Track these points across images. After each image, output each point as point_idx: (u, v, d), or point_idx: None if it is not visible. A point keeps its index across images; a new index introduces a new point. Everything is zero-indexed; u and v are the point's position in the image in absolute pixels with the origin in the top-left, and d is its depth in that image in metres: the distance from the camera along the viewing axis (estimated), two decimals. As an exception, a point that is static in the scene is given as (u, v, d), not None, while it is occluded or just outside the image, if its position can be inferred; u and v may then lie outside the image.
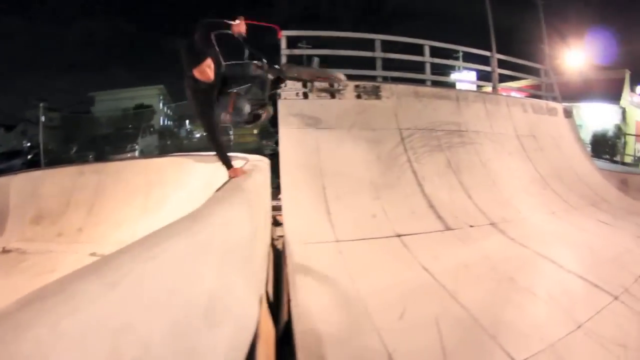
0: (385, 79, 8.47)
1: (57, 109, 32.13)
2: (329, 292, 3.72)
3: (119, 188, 7.24)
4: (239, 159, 5.42)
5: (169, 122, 31.95)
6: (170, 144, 21.97)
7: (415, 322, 3.28)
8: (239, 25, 3.48)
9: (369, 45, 8.44)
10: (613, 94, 21.53)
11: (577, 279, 4.20)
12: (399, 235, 5.06)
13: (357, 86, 7.04)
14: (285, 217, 5.17)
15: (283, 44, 7.68)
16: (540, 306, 3.63)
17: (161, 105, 36.37)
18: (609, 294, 3.89)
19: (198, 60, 3.11)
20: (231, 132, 21.86)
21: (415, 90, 7.54)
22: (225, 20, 3.49)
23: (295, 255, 4.34)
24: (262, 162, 4.79)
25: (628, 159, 19.24)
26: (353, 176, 5.82)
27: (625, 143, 20.55)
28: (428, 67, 8.71)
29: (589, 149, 18.82)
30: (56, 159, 17.51)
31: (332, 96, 6.84)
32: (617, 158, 18.85)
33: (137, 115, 26.57)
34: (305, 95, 6.72)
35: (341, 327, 3.16)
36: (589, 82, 21.29)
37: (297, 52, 8.06)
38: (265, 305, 2.84)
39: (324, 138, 6.23)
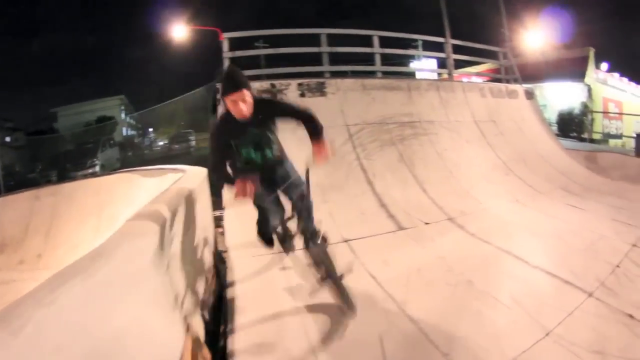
0: (344, 74, 8.18)
1: (22, 128, 31.94)
2: (267, 311, 3.32)
3: (73, 210, 7.26)
4: (177, 171, 5.07)
5: (132, 132, 31.67)
6: (132, 155, 21.71)
7: (356, 342, 2.87)
8: (326, 151, 2.98)
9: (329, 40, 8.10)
10: (577, 73, 21.63)
11: (545, 276, 3.81)
12: (346, 241, 4.66)
13: (300, 84, 6.71)
14: (227, 229, 4.88)
15: (225, 46, 7.29)
16: (502, 313, 3.21)
17: (123, 115, 36.07)
18: (582, 290, 3.51)
19: (234, 87, 2.77)
20: (192, 138, 21.63)
21: (362, 84, 7.19)
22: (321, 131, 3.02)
23: (236, 271, 4.00)
24: (198, 175, 4.46)
25: (597, 136, 19.28)
26: (298, 180, 5.42)
27: (592, 120, 20.56)
28: (378, 59, 8.35)
29: (555, 128, 18.82)
30: (22, 181, 17.41)
31: (274, 97, 6.44)
32: (585, 136, 18.83)
33: (100, 129, 26.40)
34: (247, 99, 6.33)
35: (276, 351, 2.83)
36: (552, 62, 21.39)
37: (239, 53, 7.60)
38: (196, 331, 2.63)
39: (267, 142, 5.81)
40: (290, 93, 6.55)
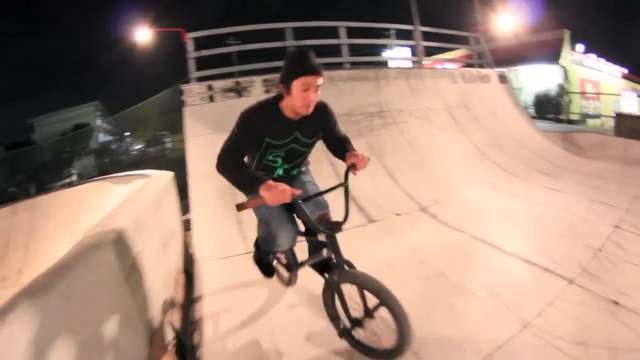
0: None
1: (1, 142, 31.55)
2: (234, 313, 3.23)
3: (50, 222, 7.25)
4: (144, 177, 4.95)
5: (109, 138, 31.47)
6: (109, 161, 21.59)
7: (323, 343, 2.75)
8: (365, 158, 2.48)
9: (298, 34, 7.94)
10: (552, 55, 21.81)
11: (523, 264, 3.68)
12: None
13: (265, 80, 6.52)
14: (194, 233, 4.69)
15: (190, 47, 7.10)
16: (477, 306, 3.06)
17: (99, 121, 35.76)
18: (563, 277, 3.38)
19: (311, 69, 2.21)
20: (167, 140, 21.44)
21: (329, 76, 6.99)
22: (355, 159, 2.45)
23: (203, 274, 3.89)
24: (163, 179, 4.34)
25: (574, 117, 19.35)
26: (265, 178, 5.25)
27: (569, 101, 20.68)
28: (345, 50, 8.19)
29: (532, 111, 18.90)
30: (3, 195, 17.27)
31: (239, 95, 6.31)
32: (563, 117, 18.88)
33: (77, 137, 26.25)
34: (211, 98, 6.23)
35: (245, 354, 2.75)
36: (527, 45, 21.54)
37: (205, 53, 7.41)
38: (163, 339, 2.62)
39: (232, 142, 5.65)
40: (255, 90, 6.39)
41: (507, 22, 18.89)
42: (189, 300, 3.55)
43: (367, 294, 2.35)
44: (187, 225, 4.91)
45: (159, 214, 3.58)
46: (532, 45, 21.80)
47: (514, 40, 20.40)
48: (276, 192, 2.04)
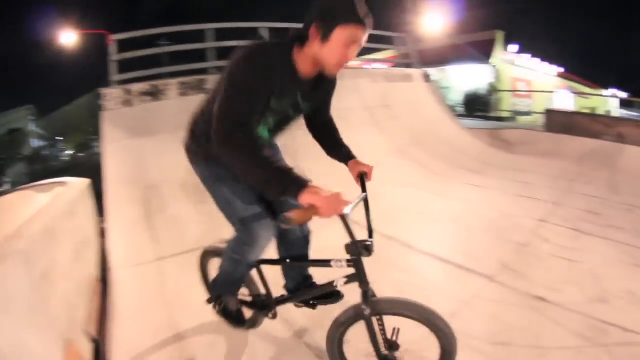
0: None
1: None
2: (144, 325, 3.09)
3: None
4: (62, 185, 4.81)
5: (42, 143, 30.50)
6: (40, 168, 20.90)
7: (227, 353, 2.69)
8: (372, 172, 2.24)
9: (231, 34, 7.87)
10: (483, 55, 22.77)
11: (437, 263, 3.68)
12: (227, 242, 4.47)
13: (182, 83, 6.42)
14: (109, 240, 4.51)
15: (113, 49, 6.88)
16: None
17: (33, 126, 34.50)
18: (482, 275, 3.38)
19: (361, 19, 1.59)
20: (96, 145, 20.98)
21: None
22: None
23: (115, 283, 3.75)
24: (78, 186, 4.24)
25: (505, 114, 20.02)
26: (178, 183, 5.16)
27: (499, 99, 21.61)
28: (268, 51, 8.14)
29: (462, 109, 19.52)
30: None
31: (156, 98, 6.17)
32: (492, 115, 19.49)
33: (10, 143, 25.23)
34: (129, 103, 6.04)
35: (162, 354, 2.69)
36: (458, 46, 22.28)
37: (129, 55, 7.20)
38: (80, 348, 2.56)
39: (148, 146, 5.60)
40: (171, 93, 6.26)
41: (440, 23, 19.32)
42: (106, 308, 3.46)
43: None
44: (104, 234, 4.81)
45: (72, 222, 3.51)
46: (465, 45, 22.63)
47: (446, 40, 20.96)
48: (334, 202, 1.53)
